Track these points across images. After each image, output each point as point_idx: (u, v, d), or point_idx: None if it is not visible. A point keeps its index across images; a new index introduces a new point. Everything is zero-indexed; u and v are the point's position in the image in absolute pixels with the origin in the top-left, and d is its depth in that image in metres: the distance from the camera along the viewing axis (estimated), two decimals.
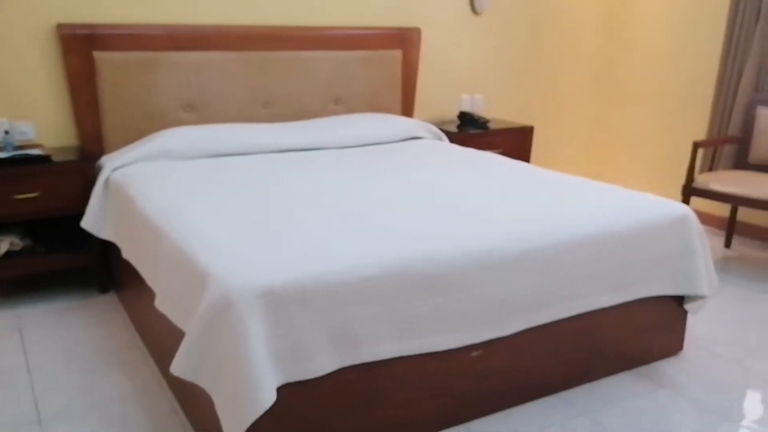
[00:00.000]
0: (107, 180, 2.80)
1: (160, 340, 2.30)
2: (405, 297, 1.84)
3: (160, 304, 2.02)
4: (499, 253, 2.02)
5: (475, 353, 2.08)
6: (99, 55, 3.07)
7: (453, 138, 3.80)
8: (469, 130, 3.93)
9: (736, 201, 3.35)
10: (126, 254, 2.53)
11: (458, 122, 4.17)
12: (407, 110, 4.01)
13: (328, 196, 2.41)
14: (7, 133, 2.87)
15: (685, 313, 2.55)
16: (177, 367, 1.68)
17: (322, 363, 1.74)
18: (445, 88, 4.21)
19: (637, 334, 2.45)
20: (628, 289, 2.34)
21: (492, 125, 4.05)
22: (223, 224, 2.06)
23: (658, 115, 4.53)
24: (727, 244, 3.90)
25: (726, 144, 3.89)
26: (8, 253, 2.83)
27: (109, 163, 2.87)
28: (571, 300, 2.21)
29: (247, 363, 1.60)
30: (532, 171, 2.89)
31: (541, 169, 2.94)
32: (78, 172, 2.87)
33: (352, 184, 2.59)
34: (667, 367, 2.49)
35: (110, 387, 2.28)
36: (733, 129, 3.89)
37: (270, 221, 2.10)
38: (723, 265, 3.57)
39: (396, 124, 3.57)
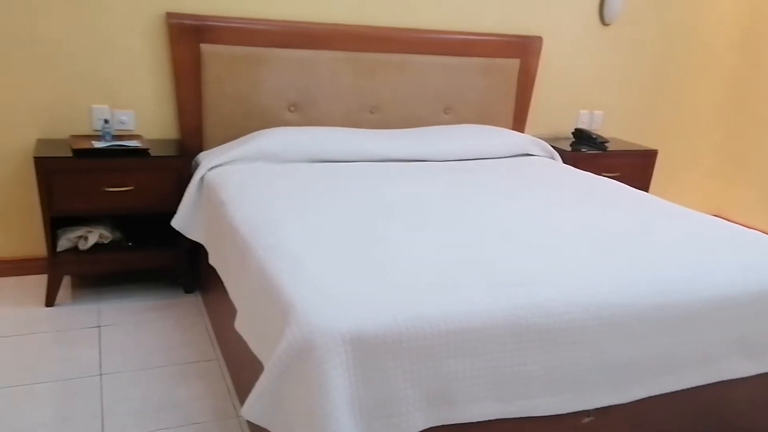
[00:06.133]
0: (202, 179, 2.69)
1: (240, 359, 2.14)
2: (512, 352, 1.59)
3: (240, 326, 1.86)
4: (627, 308, 1.72)
5: (586, 419, 1.79)
6: (206, 48, 2.97)
7: (566, 157, 3.49)
8: (585, 150, 3.60)
9: None
10: (213, 261, 2.39)
11: (573, 140, 3.84)
12: (519, 123, 3.72)
13: (433, 219, 2.17)
14: (106, 122, 2.80)
15: None
16: (248, 411, 1.50)
17: (411, 420, 1.51)
18: (562, 102, 3.88)
19: None
20: None
21: (610, 146, 3.70)
22: (315, 246, 1.86)
23: None
24: None
25: None
26: (96, 246, 2.77)
27: (206, 160, 2.75)
28: (703, 366, 1.89)
29: (327, 416, 1.39)
30: (663, 206, 2.55)
31: (673, 205, 2.59)
32: (175, 168, 2.77)
33: (460, 206, 2.34)
34: None
35: (182, 406, 2.14)
36: None
37: (367, 247, 1.88)
38: None
39: (508, 138, 3.30)
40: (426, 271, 1.73)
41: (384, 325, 1.47)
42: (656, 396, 1.86)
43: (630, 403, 1.83)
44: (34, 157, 2.56)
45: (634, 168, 3.70)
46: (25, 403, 2.08)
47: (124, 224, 2.94)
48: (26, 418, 2.01)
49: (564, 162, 3.40)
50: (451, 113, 3.50)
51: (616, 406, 1.81)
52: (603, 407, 1.79)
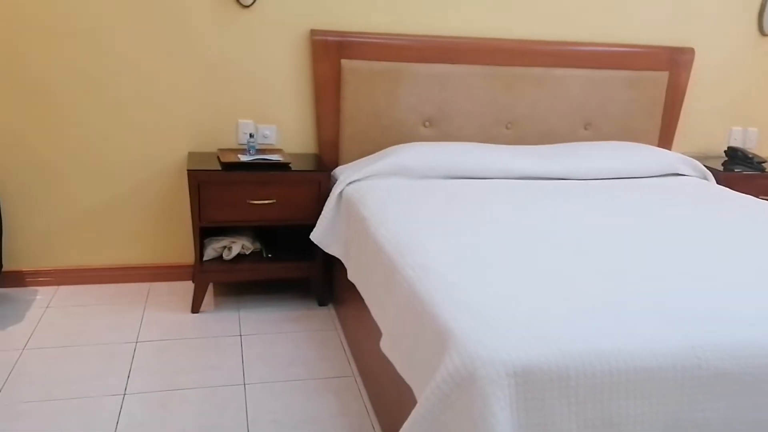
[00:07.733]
0: (341, 194, 2.70)
1: (379, 379, 2.11)
2: (690, 396, 1.45)
3: (387, 347, 1.82)
4: None
5: None
6: (346, 63, 2.99)
7: (718, 177, 3.24)
8: (738, 170, 3.34)
9: None
10: (352, 276, 2.39)
11: (724, 159, 3.58)
12: (665, 140, 3.51)
13: (586, 243, 2.05)
14: (251, 136, 2.88)
15: None
16: None
17: None
18: (713, 118, 3.63)
19: None
20: None
21: None
22: (465, 267, 1.80)
23: None
24: None
25: None
26: (237, 256, 2.85)
27: (343, 175, 2.77)
28: None
29: None
30: None
31: None
32: (315, 182, 2.81)
33: (613, 228, 2.21)
34: None
35: (323, 422, 2.14)
36: None
37: (520, 270, 1.80)
38: None
39: (655, 156, 3.10)
40: (588, 301, 1.62)
41: (550, 358, 1.38)
42: None
43: None
44: (188, 170, 2.67)
45: None
46: (177, 408, 2.15)
47: (262, 235, 3.01)
48: (178, 422, 2.07)
49: (717, 184, 3.16)
50: (591, 129, 3.35)
51: None
52: None
